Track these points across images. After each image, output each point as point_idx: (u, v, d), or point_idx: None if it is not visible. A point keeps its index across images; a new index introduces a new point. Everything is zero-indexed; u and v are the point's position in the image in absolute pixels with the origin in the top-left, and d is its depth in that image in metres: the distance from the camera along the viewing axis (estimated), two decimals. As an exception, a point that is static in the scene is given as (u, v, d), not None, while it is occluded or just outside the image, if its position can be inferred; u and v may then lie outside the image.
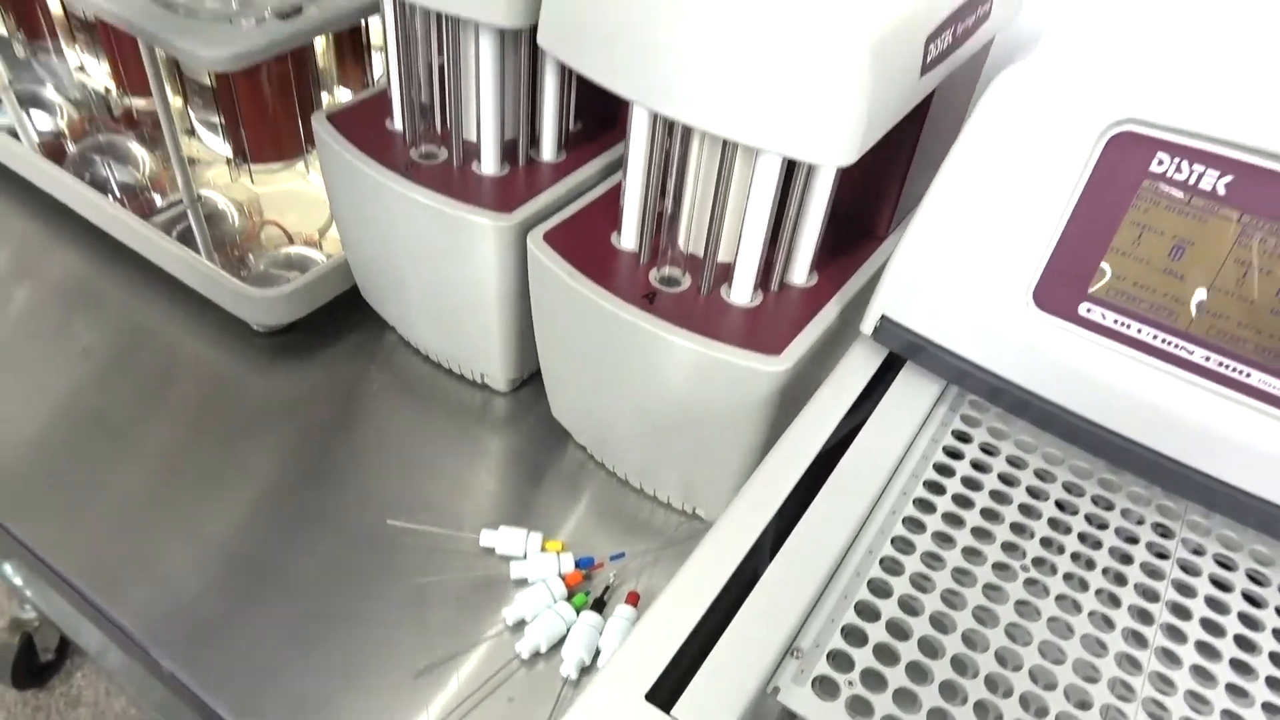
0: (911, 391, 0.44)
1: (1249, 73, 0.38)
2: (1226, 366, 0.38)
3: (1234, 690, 0.34)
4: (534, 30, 0.45)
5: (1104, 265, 0.39)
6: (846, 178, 0.47)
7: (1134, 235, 0.39)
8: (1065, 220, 0.39)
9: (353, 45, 0.67)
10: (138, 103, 0.69)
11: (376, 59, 0.71)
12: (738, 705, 0.31)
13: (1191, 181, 0.37)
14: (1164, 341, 0.39)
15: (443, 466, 0.60)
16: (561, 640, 0.50)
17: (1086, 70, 0.38)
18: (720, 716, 0.31)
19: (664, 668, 0.32)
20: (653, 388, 0.49)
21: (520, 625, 0.51)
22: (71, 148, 0.78)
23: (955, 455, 0.42)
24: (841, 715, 0.32)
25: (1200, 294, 0.38)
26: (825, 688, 0.33)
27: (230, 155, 0.64)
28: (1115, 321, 0.40)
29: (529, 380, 0.66)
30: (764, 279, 0.50)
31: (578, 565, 0.54)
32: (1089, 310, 0.40)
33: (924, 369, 0.45)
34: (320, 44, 0.66)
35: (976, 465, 0.42)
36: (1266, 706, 0.34)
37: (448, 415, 0.64)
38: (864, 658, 0.34)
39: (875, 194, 0.52)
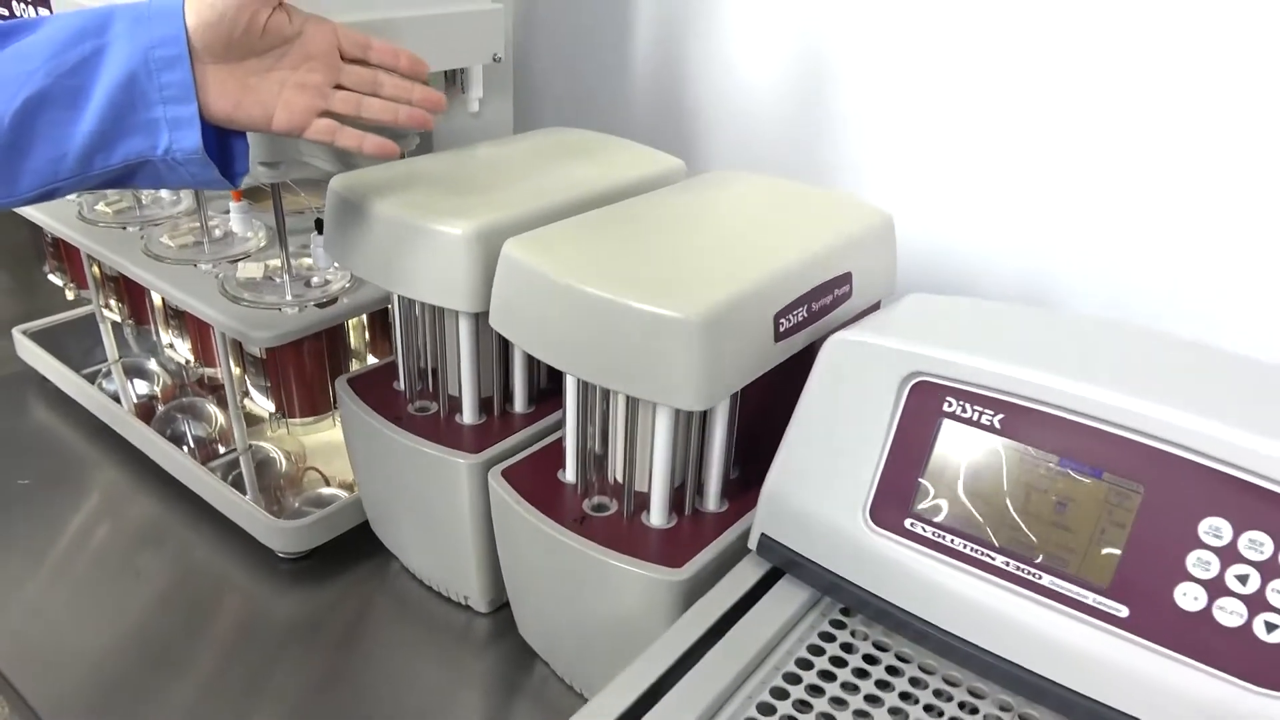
0: (784, 597, 0.52)
1: (1009, 343, 0.49)
2: (1022, 570, 0.45)
3: None
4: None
5: (924, 485, 0.48)
6: (754, 417, 0.58)
7: (942, 461, 0.48)
8: (887, 451, 0.49)
9: (383, 324, 0.83)
10: (208, 371, 0.85)
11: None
12: None
13: (975, 418, 0.47)
14: (972, 550, 0.47)
15: (428, 679, 0.68)
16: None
17: (891, 337, 0.49)
18: None
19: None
20: (583, 595, 0.58)
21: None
22: (160, 408, 0.95)
23: (823, 644, 0.49)
24: None
25: (998, 509, 0.46)
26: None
27: (271, 412, 0.79)
28: (934, 534, 0.48)
29: (505, 605, 0.74)
30: (678, 505, 0.59)
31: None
32: (912, 525, 0.48)
33: (798, 579, 0.53)
34: (354, 323, 0.82)
35: (842, 650, 0.49)
36: None
37: (436, 634, 0.72)
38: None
39: (778, 436, 0.63)
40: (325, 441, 0.91)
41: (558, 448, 0.65)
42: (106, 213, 0.89)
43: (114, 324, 0.99)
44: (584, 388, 0.59)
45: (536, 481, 0.62)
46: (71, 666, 0.68)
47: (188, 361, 0.88)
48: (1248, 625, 0.40)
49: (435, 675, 0.69)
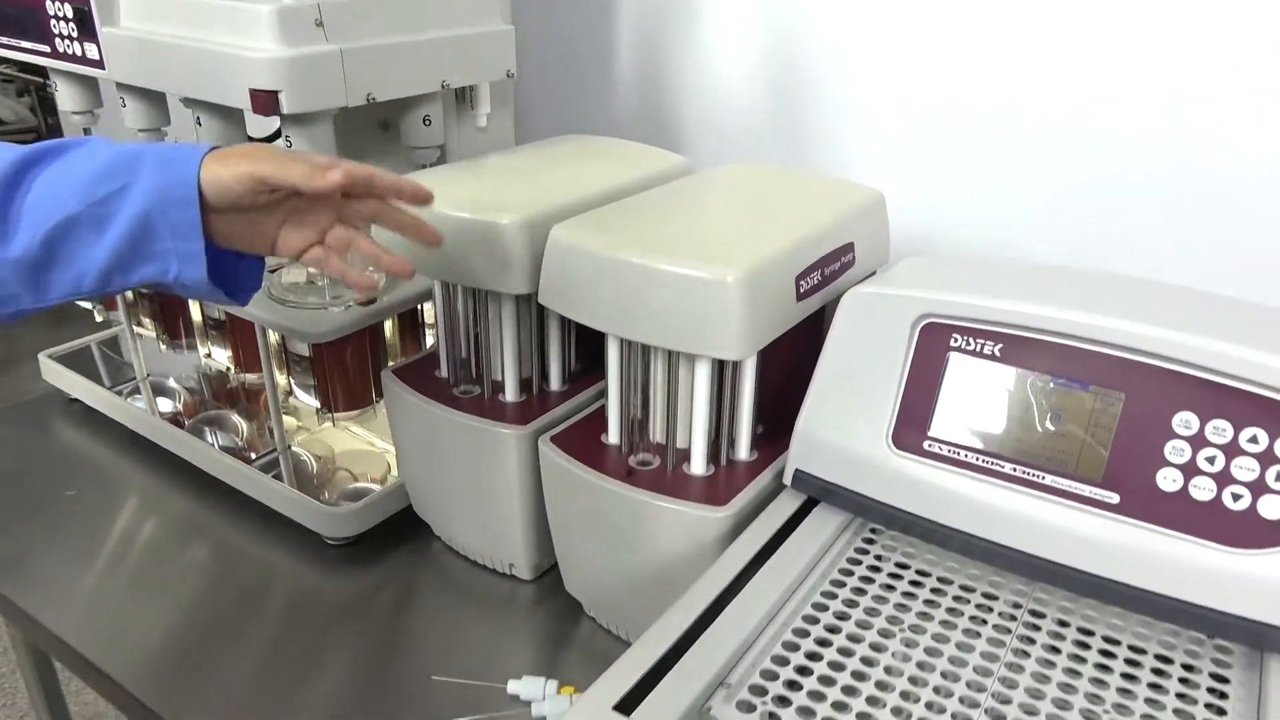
0: (818, 525, 0.59)
1: (1002, 286, 0.57)
2: (1027, 473, 0.53)
3: (1065, 688, 0.46)
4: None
5: (939, 410, 0.56)
6: (772, 380, 0.65)
7: (953, 389, 0.56)
8: (904, 384, 0.57)
9: (411, 324, 0.90)
10: (249, 377, 0.91)
11: (426, 334, 0.93)
12: (680, 715, 0.44)
13: (978, 350, 0.55)
14: (983, 460, 0.54)
15: (479, 637, 0.74)
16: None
17: (902, 289, 0.57)
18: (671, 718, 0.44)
19: (628, 690, 0.45)
20: (634, 542, 0.65)
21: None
22: (187, 422, 1.00)
23: (861, 554, 0.57)
24: (757, 724, 0.44)
25: (1003, 423, 0.54)
26: (745, 708, 0.45)
27: (318, 407, 0.84)
28: (949, 451, 0.55)
29: (548, 571, 0.80)
30: (714, 457, 0.66)
31: (587, 703, 0.66)
32: (930, 445, 0.56)
33: (831, 506, 0.60)
34: (387, 326, 0.88)
35: (876, 559, 0.56)
36: (1089, 696, 0.46)
37: (483, 600, 0.78)
38: (775, 689, 0.46)
39: (796, 393, 0.70)
40: (350, 448, 0.96)
41: (597, 417, 0.72)
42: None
43: (142, 342, 1.03)
44: (625, 356, 0.66)
45: (582, 445, 0.69)
46: (138, 644, 0.73)
47: (228, 369, 0.93)
48: (1218, 498, 0.48)
49: (486, 633, 0.74)
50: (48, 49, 0.85)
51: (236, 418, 1.01)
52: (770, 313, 0.59)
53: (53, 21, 0.82)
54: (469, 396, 0.75)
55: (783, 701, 0.46)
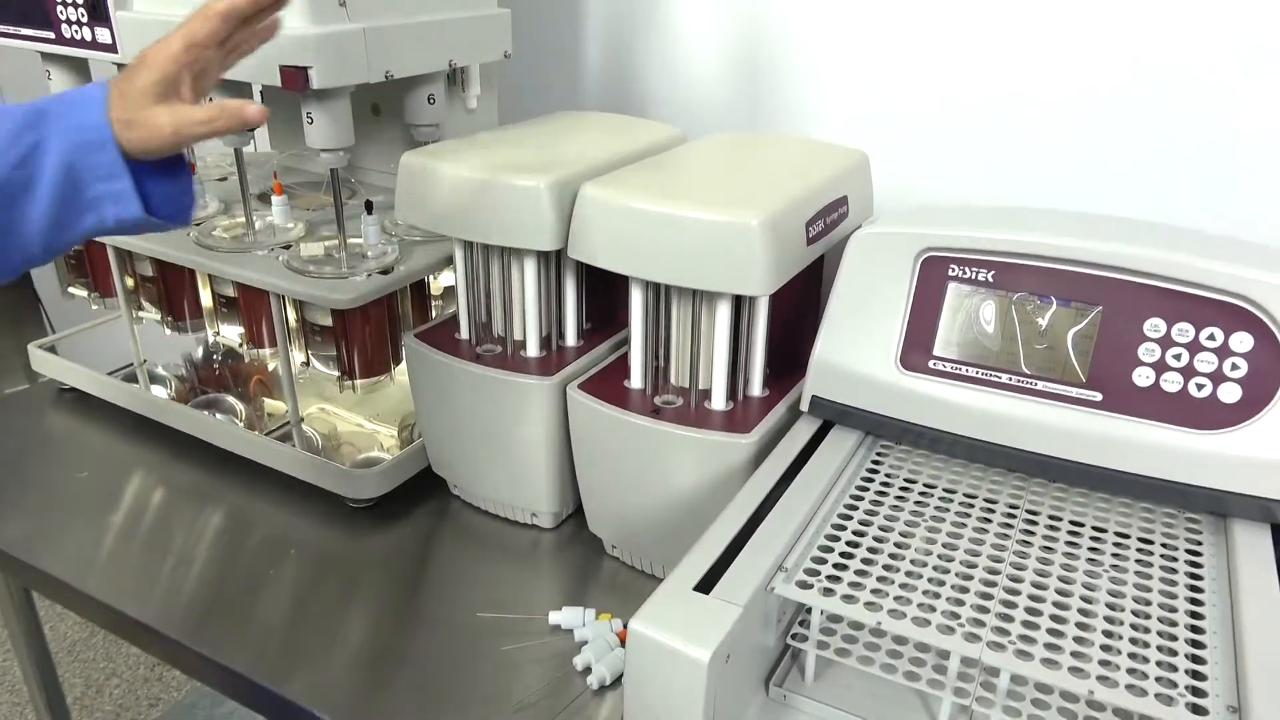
0: (841, 439, 0.66)
1: (989, 221, 0.65)
2: (1020, 380, 0.61)
3: (1066, 568, 0.54)
4: (559, 256, 0.71)
5: (940, 334, 0.63)
6: (779, 323, 0.72)
7: (952, 312, 0.63)
8: (909, 312, 0.64)
9: (419, 296, 0.94)
10: (262, 352, 0.93)
11: (432, 306, 0.97)
12: (748, 594, 0.50)
13: (973, 277, 0.62)
14: (982, 373, 0.62)
15: (506, 578, 0.78)
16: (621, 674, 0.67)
17: (904, 228, 0.65)
18: (739, 597, 0.49)
19: (704, 573, 0.51)
20: (662, 475, 0.70)
21: (586, 670, 0.68)
22: (184, 407, 1.02)
23: (874, 471, 0.64)
24: (814, 597, 0.51)
25: (998, 340, 0.62)
26: (803, 586, 0.52)
27: (338, 375, 0.88)
28: (951, 367, 0.63)
29: (567, 519, 0.86)
30: (731, 394, 0.73)
31: (624, 625, 0.71)
32: (934, 364, 0.63)
33: (846, 426, 0.67)
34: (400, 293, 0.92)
35: (888, 475, 0.63)
36: (1087, 573, 0.53)
37: (507, 546, 0.83)
38: (826, 570, 0.53)
39: (800, 337, 0.77)
40: (344, 429, 0.99)
41: (618, 366, 0.78)
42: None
43: (142, 327, 1.05)
44: (648, 303, 0.72)
45: (607, 391, 0.74)
46: (167, 596, 0.76)
47: (239, 344, 0.96)
48: (1184, 389, 0.57)
49: (514, 575, 0.79)
50: (52, 35, 0.86)
51: (232, 399, 1.03)
52: (786, 253, 0.66)
53: (60, 8, 0.84)
54: (492, 354, 0.80)
55: (834, 579, 0.52)
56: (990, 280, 0.62)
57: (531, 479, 0.81)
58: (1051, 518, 0.59)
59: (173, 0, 0.80)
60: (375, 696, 0.66)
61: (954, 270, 0.63)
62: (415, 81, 0.87)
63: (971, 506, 0.60)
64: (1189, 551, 0.57)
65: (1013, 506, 0.61)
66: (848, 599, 0.51)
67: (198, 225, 0.94)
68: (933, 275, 0.64)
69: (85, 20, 0.83)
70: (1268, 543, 0.55)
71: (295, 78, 0.73)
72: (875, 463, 0.65)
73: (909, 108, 0.97)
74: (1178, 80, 0.85)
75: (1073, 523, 0.59)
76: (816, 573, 0.53)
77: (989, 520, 0.59)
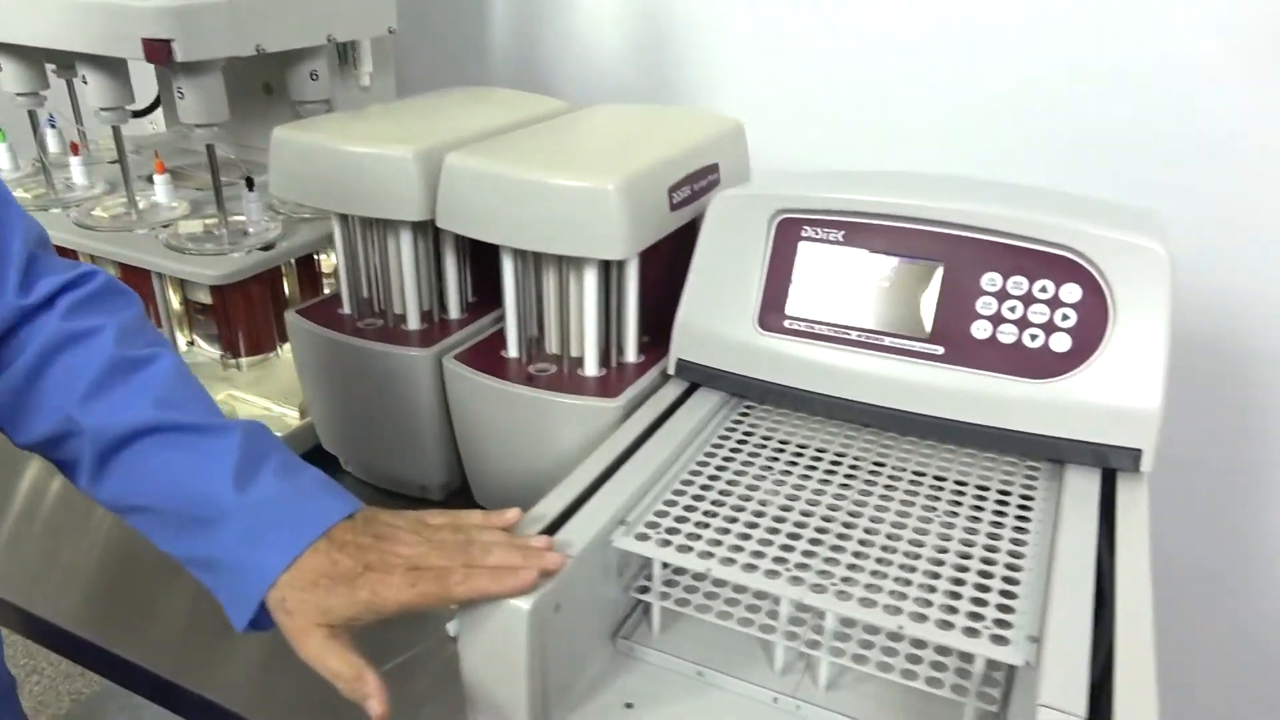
0: (703, 400, 0.67)
1: (840, 183, 0.66)
2: (869, 336, 0.62)
3: (905, 505, 0.55)
4: (437, 228, 0.72)
5: (794, 292, 0.65)
6: (653, 290, 0.73)
7: (805, 272, 0.64)
8: (765, 273, 0.65)
9: (309, 275, 0.93)
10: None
11: (324, 285, 0.97)
12: (580, 545, 0.51)
13: (825, 237, 0.64)
14: (833, 330, 0.63)
15: (396, 552, 0.78)
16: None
17: (760, 190, 0.66)
18: (572, 549, 0.50)
19: (544, 527, 0.52)
20: (537, 442, 0.71)
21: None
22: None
23: (731, 430, 0.65)
24: (651, 548, 0.52)
25: (848, 297, 0.63)
26: (641, 537, 0.53)
27: (221, 353, 0.87)
28: (805, 326, 0.64)
29: (456, 492, 0.86)
30: (605, 361, 0.73)
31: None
32: (789, 323, 0.65)
33: (712, 389, 0.68)
34: (286, 278, 0.91)
35: (745, 434, 0.65)
36: (920, 518, 0.55)
37: (397, 522, 0.83)
38: (666, 523, 0.54)
39: (674, 301, 0.78)
40: (249, 414, 0.98)
41: (496, 338, 0.78)
42: (26, 198, 0.95)
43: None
44: (519, 272, 0.72)
45: (485, 360, 0.75)
46: (63, 588, 0.75)
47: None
48: (1019, 340, 0.59)
49: (406, 551, 0.79)
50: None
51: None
52: (647, 217, 0.67)
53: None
54: (374, 329, 0.80)
55: (673, 531, 0.53)
56: (841, 239, 0.63)
57: (417, 452, 0.81)
58: (896, 469, 0.61)
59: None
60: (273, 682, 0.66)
61: (806, 231, 0.64)
62: (296, 56, 0.87)
63: (819, 461, 0.62)
64: (1022, 497, 0.58)
65: (859, 460, 0.62)
66: (683, 549, 0.52)
67: (78, 206, 0.92)
68: (787, 236, 0.65)
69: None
70: (1096, 486, 0.57)
71: (158, 50, 0.72)
72: (735, 422, 0.66)
73: (808, 81, 0.99)
74: (1058, 44, 0.87)
75: (915, 473, 0.60)
76: (657, 525, 0.54)
77: (833, 473, 0.60)
